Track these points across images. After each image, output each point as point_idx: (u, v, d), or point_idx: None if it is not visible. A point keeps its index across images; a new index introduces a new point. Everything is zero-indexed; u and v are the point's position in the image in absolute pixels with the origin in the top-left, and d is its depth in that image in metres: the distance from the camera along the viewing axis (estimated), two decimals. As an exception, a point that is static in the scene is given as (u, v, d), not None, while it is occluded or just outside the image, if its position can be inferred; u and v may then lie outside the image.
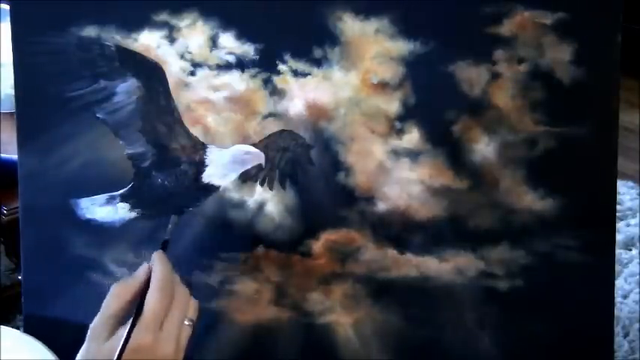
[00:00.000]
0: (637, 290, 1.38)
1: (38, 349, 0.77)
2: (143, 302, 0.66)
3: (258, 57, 0.78)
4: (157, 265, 0.68)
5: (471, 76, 0.78)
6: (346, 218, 0.80)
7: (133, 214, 0.79)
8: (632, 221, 1.63)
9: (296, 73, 0.78)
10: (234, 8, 0.78)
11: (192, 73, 0.79)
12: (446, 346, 0.81)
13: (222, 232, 0.80)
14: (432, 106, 0.79)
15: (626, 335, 1.26)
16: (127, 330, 0.64)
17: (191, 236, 0.80)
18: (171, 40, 0.78)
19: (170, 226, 0.76)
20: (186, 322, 0.67)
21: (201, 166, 0.78)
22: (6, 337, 0.78)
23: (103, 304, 0.66)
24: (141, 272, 0.68)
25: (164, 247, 0.72)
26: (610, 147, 0.80)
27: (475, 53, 0.78)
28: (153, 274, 0.67)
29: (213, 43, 0.78)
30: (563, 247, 0.80)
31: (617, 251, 1.47)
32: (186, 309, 0.67)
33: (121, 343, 0.63)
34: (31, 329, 0.81)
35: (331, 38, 0.78)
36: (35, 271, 0.81)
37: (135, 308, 0.65)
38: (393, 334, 0.81)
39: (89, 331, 0.65)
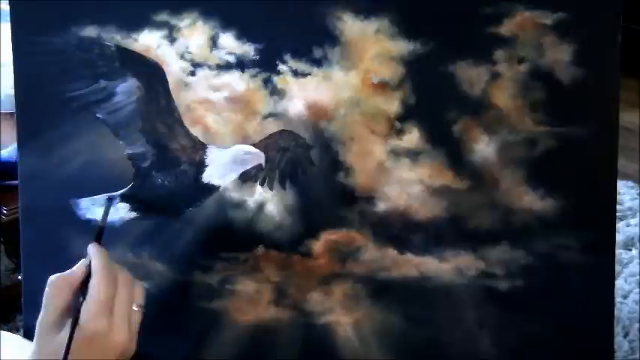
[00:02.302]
0: (637, 290, 1.38)
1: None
2: (85, 293, 0.66)
3: (258, 57, 0.78)
4: (95, 255, 0.68)
5: (471, 76, 0.78)
6: (346, 218, 0.80)
7: (133, 214, 0.79)
8: (632, 221, 1.63)
9: (296, 73, 0.78)
10: (234, 8, 0.78)
11: (192, 73, 0.79)
12: (446, 345, 0.81)
13: (222, 232, 0.80)
14: (432, 106, 0.79)
15: (626, 335, 1.26)
16: (74, 318, 0.64)
17: (191, 236, 0.80)
18: (172, 40, 0.78)
19: (103, 213, 0.73)
20: (135, 308, 0.68)
21: (201, 166, 0.78)
22: (4, 342, 0.78)
23: (45, 299, 0.66)
24: (78, 264, 0.69)
25: (98, 237, 0.71)
26: (610, 147, 0.80)
27: (475, 53, 0.78)
28: (92, 264, 0.68)
29: (213, 43, 0.78)
30: (563, 247, 0.80)
31: (617, 251, 1.47)
32: (132, 294, 0.68)
33: (69, 331, 0.63)
34: (31, 330, 0.80)
35: (331, 38, 0.78)
36: (35, 271, 0.81)
37: (77, 299, 0.66)
38: (393, 334, 0.81)
39: (37, 328, 0.66)
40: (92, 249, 0.69)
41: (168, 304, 0.80)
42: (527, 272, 0.80)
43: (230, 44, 0.78)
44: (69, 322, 0.65)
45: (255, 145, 0.79)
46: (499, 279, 0.80)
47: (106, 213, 0.74)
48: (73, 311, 0.65)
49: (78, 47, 0.78)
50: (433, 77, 0.78)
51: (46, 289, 0.67)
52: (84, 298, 0.66)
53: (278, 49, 0.78)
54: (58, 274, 0.68)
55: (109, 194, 0.79)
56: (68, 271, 0.68)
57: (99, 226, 0.72)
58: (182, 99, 0.79)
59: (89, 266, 0.68)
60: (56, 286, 0.67)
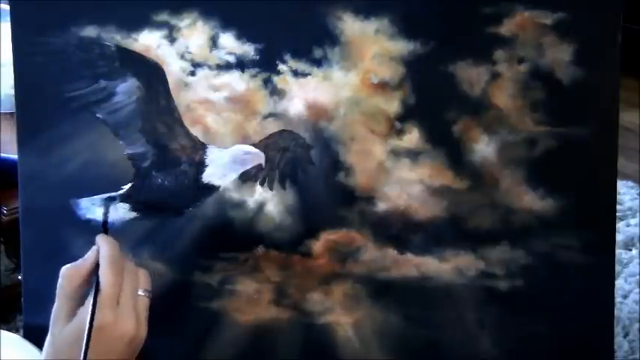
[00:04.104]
0: (637, 290, 1.38)
1: (30, 352, 0.77)
2: (97, 282, 0.67)
3: (258, 57, 0.78)
4: (103, 244, 0.69)
5: (471, 76, 0.78)
6: (346, 218, 0.80)
7: (133, 214, 0.79)
8: (632, 221, 1.63)
9: (296, 73, 0.78)
10: (234, 8, 0.78)
11: (192, 73, 0.79)
12: (446, 346, 0.81)
13: (222, 232, 0.80)
14: (432, 106, 0.79)
15: (626, 335, 1.26)
16: (90, 309, 0.65)
17: (191, 236, 0.80)
18: (172, 40, 0.78)
19: (104, 209, 0.77)
20: (140, 293, 0.69)
21: (201, 166, 0.78)
22: (4, 341, 0.78)
23: (57, 290, 0.68)
24: (89, 253, 0.70)
25: (105, 228, 0.74)
26: (610, 147, 0.80)
27: (475, 53, 0.78)
28: (100, 253, 0.69)
29: (213, 43, 0.78)
30: (563, 247, 0.80)
31: (617, 251, 1.47)
32: (137, 280, 0.69)
33: (87, 322, 0.64)
34: (31, 330, 0.81)
35: (331, 38, 0.78)
36: (35, 271, 0.81)
37: (92, 288, 0.67)
38: (393, 334, 0.81)
39: (51, 319, 0.67)
40: (101, 239, 0.70)
41: (168, 304, 0.80)
42: (527, 272, 0.80)
43: (230, 44, 0.78)
44: (80, 312, 0.66)
45: (255, 145, 0.79)
46: (499, 279, 0.80)
47: (107, 208, 0.76)
48: (93, 302, 0.66)
49: (78, 47, 0.78)
50: (433, 77, 0.78)
51: (59, 279, 0.68)
52: (96, 288, 0.67)
53: (278, 49, 0.78)
54: (69, 265, 0.69)
55: (109, 194, 0.79)
56: (79, 261, 0.69)
57: (103, 220, 0.75)
58: (182, 99, 0.78)
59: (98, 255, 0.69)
60: (67, 277, 0.68)
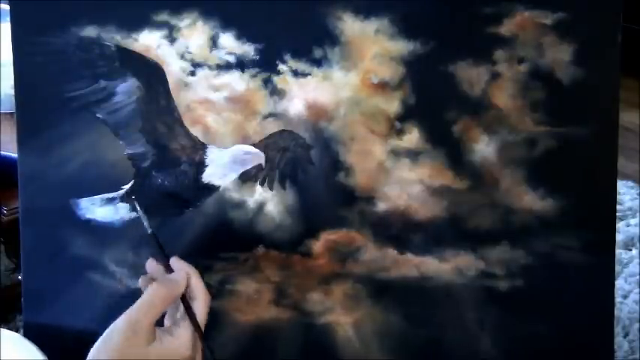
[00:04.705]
0: (637, 290, 1.38)
1: (29, 350, 0.77)
2: (192, 311, 0.67)
3: (258, 57, 0.78)
4: (196, 276, 0.69)
5: (471, 76, 0.78)
6: (346, 218, 0.80)
7: (133, 214, 0.79)
8: (632, 221, 1.63)
9: (296, 73, 0.78)
10: (234, 8, 0.78)
11: (192, 73, 0.79)
12: (446, 346, 0.81)
13: (222, 232, 0.80)
14: (432, 106, 0.79)
15: (626, 335, 1.25)
16: (179, 339, 0.65)
17: (191, 236, 0.80)
18: (172, 40, 0.78)
19: (144, 221, 0.72)
20: None
21: (201, 166, 0.78)
22: (4, 341, 0.78)
23: (148, 303, 0.65)
24: (182, 279, 0.68)
25: (159, 244, 0.71)
26: (610, 147, 0.80)
27: (475, 53, 0.78)
28: (195, 284, 0.68)
29: (213, 43, 0.78)
30: (564, 247, 0.80)
31: (617, 251, 1.47)
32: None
33: (160, 345, 0.64)
34: (30, 330, 0.81)
35: (331, 38, 0.78)
36: (35, 271, 0.81)
37: (189, 316, 0.67)
38: (393, 334, 0.81)
39: (130, 326, 0.63)
40: (186, 266, 0.69)
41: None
42: (527, 272, 0.80)
43: (230, 44, 0.78)
44: (163, 338, 0.65)
45: (255, 145, 0.79)
46: (499, 279, 0.80)
47: (146, 220, 0.72)
48: (200, 333, 0.66)
49: (78, 47, 0.78)
50: (433, 77, 0.78)
51: (148, 294, 0.65)
52: (192, 318, 0.66)
53: (278, 49, 0.78)
54: (161, 282, 0.67)
55: (110, 194, 0.79)
56: (169, 282, 0.67)
57: (151, 232, 0.71)
58: (182, 99, 0.79)
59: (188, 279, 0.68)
60: (161, 297, 0.66)
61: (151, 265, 0.71)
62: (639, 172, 1.78)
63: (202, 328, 0.67)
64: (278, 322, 0.81)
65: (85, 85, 0.78)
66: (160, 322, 0.67)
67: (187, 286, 0.68)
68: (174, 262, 0.70)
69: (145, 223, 0.71)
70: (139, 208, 0.72)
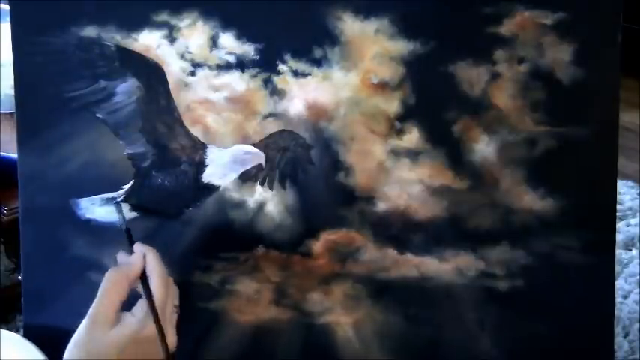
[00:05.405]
0: (637, 290, 1.38)
1: (29, 351, 0.77)
2: (149, 289, 0.67)
3: (258, 57, 0.78)
4: (150, 255, 0.69)
5: (471, 76, 0.78)
6: (346, 218, 0.80)
7: (133, 214, 0.79)
8: (632, 221, 1.63)
9: (296, 73, 0.78)
10: (234, 8, 0.78)
11: (192, 73, 0.79)
12: (446, 346, 0.81)
13: (222, 232, 0.80)
14: (432, 106, 0.79)
15: (626, 335, 1.25)
16: (138, 318, 0.65)
17: (191, 236, 0.80)
18: (172, 40, 0.78)
19: (120, 216, 0.74)
20: (174, 309, 0.69)
21: (201, 166, 0.78)
22: (4, 341, 0.78)
23: (102, 291, 0.67)
24: (135, 261, 0.69)
25: (129, 235, 0.73)
26: (610, 147, 0.80)
27: (475, 53, 0.78)
28: (148, 263, 0.69)
29: (213, 43, 0.78)
30: (564, 247, 0.80)
31: (617, 251, 1.47)
32: (173, 295, 0.70)
33: (124, 328, 0.64)
34: (30, 330, 0.81)
35: (331, 38, 0.78)
36: (35, 271, 0.81)
37: (143, 297, 0.67)
38: (393, 334, 0.81)
39: (90, 317, 0.66)
40: (146, 250, 0.70)
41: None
42: (527, 272, 0.80)
43: (230, 44, 0.78)
44: (125, 319, 0.66)
45: (255, 145, 0.79)
46: (499, 279, 0.80)
47: (122, 214, 0.74)
48: (152, 311, 0.66)
49: (78, 47, 0.78)
50: (433, 77, 0.78)
51: (103, 282, 0.67)
52: (149, 298, 0.67)
53: (278, 49, 0.78)
54: (115, 268, 0.69)
55: (110, 194, 0.79)
56: (124, 266, 0.69)
57: (125, 227, 0.73)
58: (182, 99, 0.79)
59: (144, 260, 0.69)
60: (114, 281, 0.67)
61: (121, 257, 0.72)
62: (639, 172, 1.78)
63: (163, 304, 0.67)
64: (278, 322, 0.81)
65: (85, 85, 0.78)
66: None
67: (145, 266, 0.69)
68: (135, 246, 0.71)
69: (119, 217, 0.74)
70: (116, 204, 0.75)
